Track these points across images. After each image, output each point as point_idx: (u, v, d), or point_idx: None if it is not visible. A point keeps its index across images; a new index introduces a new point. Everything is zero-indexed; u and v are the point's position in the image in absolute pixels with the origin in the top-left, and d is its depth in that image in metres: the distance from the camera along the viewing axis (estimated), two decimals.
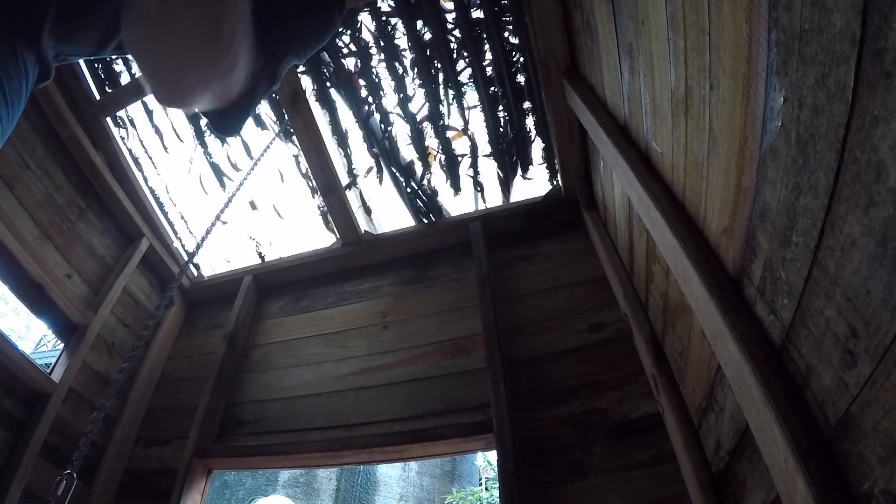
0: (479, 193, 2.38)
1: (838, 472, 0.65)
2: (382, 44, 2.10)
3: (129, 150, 2.44)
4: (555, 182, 2.28)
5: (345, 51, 2.14)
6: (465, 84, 2.14)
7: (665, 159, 1.11)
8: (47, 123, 2.08)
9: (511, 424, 1.53)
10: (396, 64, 2.12)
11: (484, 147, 2.26)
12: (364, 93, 2.19)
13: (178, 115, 2.45)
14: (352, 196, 2.38)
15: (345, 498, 6.41)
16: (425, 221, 2.41)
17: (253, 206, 2.62)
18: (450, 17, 2.01)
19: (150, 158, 2.51)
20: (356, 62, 2.13)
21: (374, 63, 2.14)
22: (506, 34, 2.02)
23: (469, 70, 2.10)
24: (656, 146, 1.15)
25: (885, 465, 0.57)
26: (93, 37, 0.82)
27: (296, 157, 2.38)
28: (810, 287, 0.66)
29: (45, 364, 2.03)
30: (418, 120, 2.22)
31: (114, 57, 1.98)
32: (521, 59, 2.04)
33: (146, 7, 0.68)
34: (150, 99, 2.32)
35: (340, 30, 2.08)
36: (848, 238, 0.56)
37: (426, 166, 2.33)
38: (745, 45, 0.69)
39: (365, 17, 2.06)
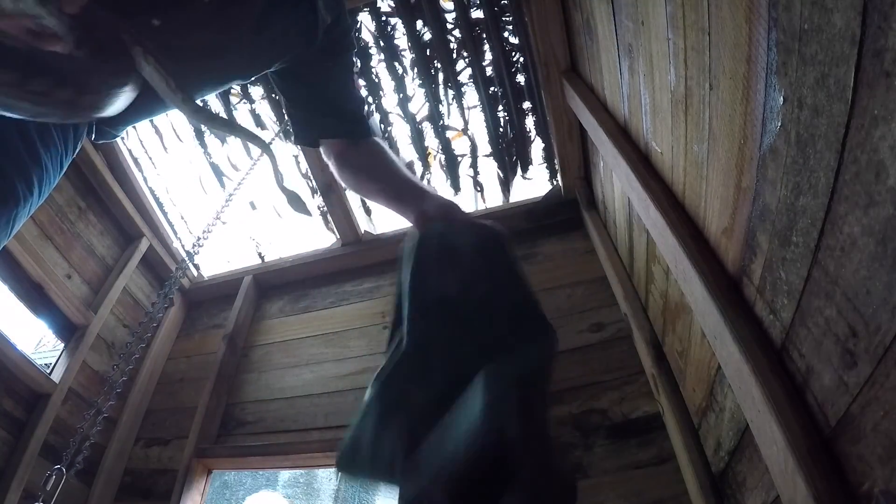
0: (479, 193, 2.37)
1: (838, 472, 0.65)
2: (382, 44, 2.10)
3: (129, 151, 2.44)
4: (555, 182, 2.28)
5: None
6: (464, 84, 2.14)
7: (665, 159, 1.11)
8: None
9: None
10: (396, 64, 2.12)
11: (484, 147, 2.26)
12: (364, 93, 2.18)
13: (177, 116, 2.45)
14: (352, 196, 2.38)
15: (345, 498, 6.39)
16: None
17: (253, 206, 2.62)
18: (450, 17, 2.01)
19: (150, 158, 2.51)
20: (356, 62, 2.13)
21: (373, 63, 2.14)
22: (506, 34, 2.02)
23: (469, 70, 2.10)
24: (656, 146, 1.15)
25: (885, 465, 0.57)
26: None
27: (295, 157, 2.38)
28: (810, 287, 0.66)
29: (46, 364, 2.03)
30: (418, 120, 2.22)
31: None
32: (521, 59, 2.04)
33: None
34: None
35: None
36: (848, 238, 0.56)
37: (426, 166, 2.33)
38: (745, 44, 0.69)
39: (365, 17, 2.06)
